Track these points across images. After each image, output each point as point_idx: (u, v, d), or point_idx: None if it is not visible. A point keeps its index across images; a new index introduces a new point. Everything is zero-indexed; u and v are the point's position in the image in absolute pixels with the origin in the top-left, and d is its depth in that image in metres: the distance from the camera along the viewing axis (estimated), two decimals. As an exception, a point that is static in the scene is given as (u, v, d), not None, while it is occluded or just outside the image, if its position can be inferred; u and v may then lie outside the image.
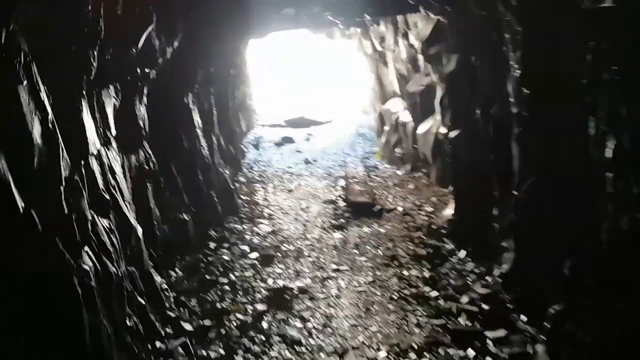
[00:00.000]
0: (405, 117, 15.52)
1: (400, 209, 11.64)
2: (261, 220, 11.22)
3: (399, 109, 16.33)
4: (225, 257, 8.82)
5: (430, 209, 11.34)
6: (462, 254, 8.65)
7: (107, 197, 5.54)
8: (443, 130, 11.50)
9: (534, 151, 6.79)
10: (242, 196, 13.07)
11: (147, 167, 7.53)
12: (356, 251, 9.30)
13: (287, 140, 20.34)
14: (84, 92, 5.09)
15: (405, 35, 14.47)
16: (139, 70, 6.46)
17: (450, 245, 9.07)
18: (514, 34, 6.83)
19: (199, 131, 10.16)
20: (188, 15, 8.44)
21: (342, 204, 12.39)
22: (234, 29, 13.39)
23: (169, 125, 8.89)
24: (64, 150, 4.28)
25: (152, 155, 7.91)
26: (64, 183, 4.20)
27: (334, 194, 13.44)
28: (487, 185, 8.48)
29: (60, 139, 4.20)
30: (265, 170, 16.85)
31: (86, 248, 4.74)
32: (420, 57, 14.03)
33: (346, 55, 24.04)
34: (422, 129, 13.79)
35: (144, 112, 7.26)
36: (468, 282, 7.92)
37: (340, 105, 25.14)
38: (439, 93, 11.82)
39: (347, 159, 18.16)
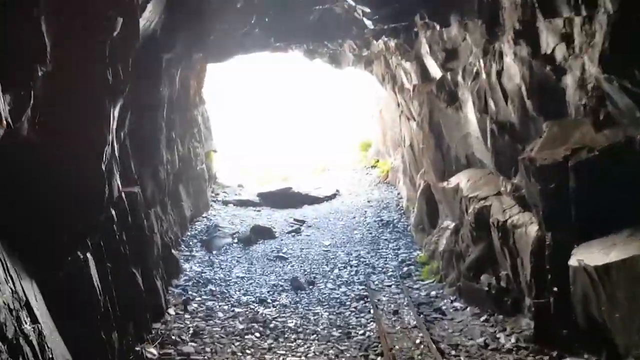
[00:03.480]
0: (514, 214, 7.18)
1: None
2: None
3: (488, 192, 8.00)
4: None
5: None
6: None
7: None
8: None
9: None
10: None
11: None
12: None
13: (262, 233, 11.86)
14: None
15: (528, 36, 6.36)
16: None
17: None
18: None
19: None
20: None
21: None
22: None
23: None
24: None
25: None
26: None
27: None
28: None
29: None
30: (213, 309, 8.37)
31: None
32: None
33: (360, 92, 16.06)
34: (596, 258, 5.42)
35: None
36: None
37: (348, 171, 16.75)
38: None
39: (371, 277, 9.71)
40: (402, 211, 12.80)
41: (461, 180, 8.87)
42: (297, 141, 20.68)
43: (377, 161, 15.97)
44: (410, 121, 11.25)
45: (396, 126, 13.82)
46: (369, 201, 13.64)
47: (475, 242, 8.24)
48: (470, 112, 8.25)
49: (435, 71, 9.07)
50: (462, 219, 8.80)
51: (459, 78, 8.38)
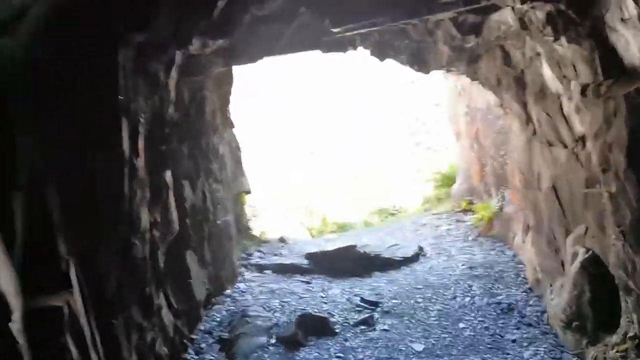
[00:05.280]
0: None
1: None
2: None
3: None
4: None
5: None
6: None
7: None
8: None
9: None
10: None
11: None
12: None
13: (314, 327, 7.58)
14: None
15: None
16: None
17: None
18: None
19: None
20: None
21: None
22: None
23: None
24: None
25: None
26: None
27: None
28: None
29: None
30: None
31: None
32: None
33: (437, 105, 11.95)
34: None
35: None
36: None
37: (427, 216, 12.33)
38: None
39: None
40: (527, 286, 8.31)
41: None
42: (353, 172, 16.46)
43: (471, 202, 11.51)
44: (555, 148, 6.82)
45: (506, 154, 9.45)
46: (470, 268, 9.15)
47: None
48: None
49: (648, 53, 4.68)
50: None
51: None
